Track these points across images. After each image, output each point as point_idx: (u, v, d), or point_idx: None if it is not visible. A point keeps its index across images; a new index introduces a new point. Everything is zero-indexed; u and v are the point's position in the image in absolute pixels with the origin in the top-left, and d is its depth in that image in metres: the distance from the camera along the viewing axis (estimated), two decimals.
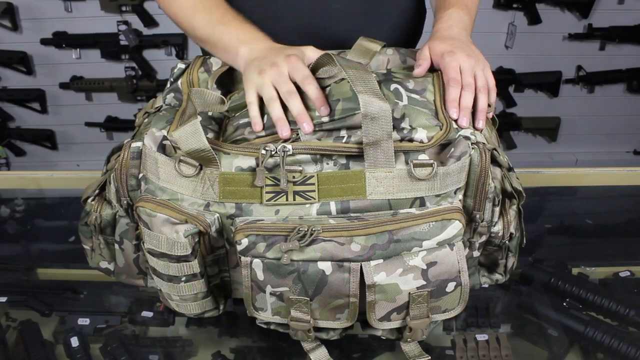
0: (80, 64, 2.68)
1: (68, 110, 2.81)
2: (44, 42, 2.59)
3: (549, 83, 2.80)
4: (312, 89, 0.73)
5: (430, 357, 0.78)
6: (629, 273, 0.98)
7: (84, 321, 0.89)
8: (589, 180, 1.24)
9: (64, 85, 2.70)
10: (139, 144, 0.77)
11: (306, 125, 0.72)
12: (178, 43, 2.59)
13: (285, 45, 0.81)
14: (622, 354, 0.80)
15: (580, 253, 1.08)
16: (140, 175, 0.77)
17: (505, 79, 2.74)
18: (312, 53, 0.79)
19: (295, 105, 0.73)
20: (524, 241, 0.84)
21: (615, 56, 2.76)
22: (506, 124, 2.83)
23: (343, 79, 0.75)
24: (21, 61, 2.63)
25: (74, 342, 0.83)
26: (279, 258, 0.68)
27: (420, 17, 1.04)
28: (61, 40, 2.59)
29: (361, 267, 0.69)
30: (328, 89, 0.76)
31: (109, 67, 2.68)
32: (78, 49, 2.63)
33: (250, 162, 0.72)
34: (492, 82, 0.81)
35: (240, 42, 0.81)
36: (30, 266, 1.02)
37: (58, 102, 2.79)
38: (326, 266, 0.69)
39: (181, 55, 2.64)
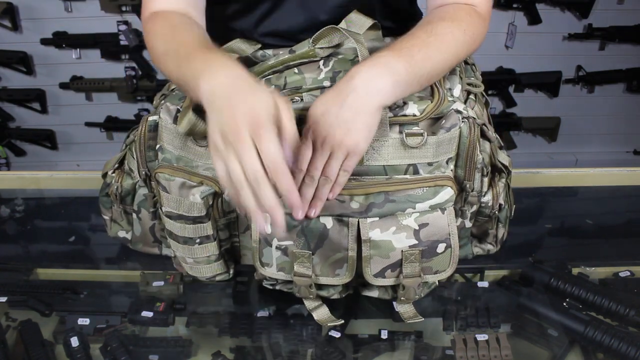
0: (80, 64, 2.68)
1: (68, 110, 2.81)
2: (44, 42, 2.59)
3: (549, 83, 2.80)
4: (284, 182, 0.62)
5: (423, 319, 0.83)
6: (629, 273, 0.98)
7: (84, 321, 0.89)
8: (588, 180, 1.24)
9: (64, 85, 2.70)
10: (155, 117, 0.84)
11: (279, 218, 0.63)
12: None
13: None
14: (622, 354, 0.80)
15: (580, 253, 1.08)
16: (158, 146, 0.84)
17: (505, 79, 2.74)
18: (286, 118, 0.65)
19: (267, 196, 0.62)
20: (512, 213, 0.92)
21: (615, 56, 2.76)
22: (506, 124, 2.83)
23: (342, 56, 0.82)
24: (21, 61, 2.63)
25: (74, 342, 0.83)
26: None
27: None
28: (61, 40, 2.59)
29: (358, 222, 0.76)
30: (331, 62, 0.82)
31: (109, 67, 2.68)
32: (78, 49, 2.64)
33: None
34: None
35: (199, 75, 0.68)
36: (30, 266, 1.02)
37: (58, 102, 2.79)
38: (327, 221, 0.77)
39: None
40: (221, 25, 0.93)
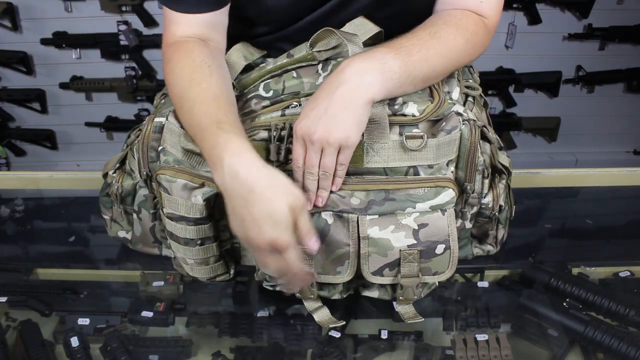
0: (80, 64, 2.68)
1: (68, 110, 2.80)
2: (44, 42, 2.59)
3: (549, 83, 2.79)
4: (301, 276, 0.72)
5: (423, 319, 0.83)
6: (629, 273, 0.98)
7: (84, 321, 0.89)
8: (588, 180, 1.24)
9: (64, 85, 2.69)
10: (161, 119, 0.84)
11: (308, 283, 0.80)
12: None
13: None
14: (622, 354, 0.80)
15: (580, 253, 1.08)
16: (160, 147, 0.83)
17: (505, 79, 2.74)
18: (305, 222, 0.69)
19: (296, 281, 0.75)
20: (513, 214, 0.92)
21: (615, 56, 2.76)
22: (506, 124, 2.83)
23: (341, 59, 0.79)
24: (21, 61, 2.63)
25: (74, 342, 0.83)
26: None
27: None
28: (61, 40, 2.59)
29: (358, 219, 0.77)
30: (330, 67, 0.81)
31: (109, 67, 2.68)
32: (78, 49, 2.63)
33: (262, 134, 0.78)
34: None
35: (213, 161, 0.70)
36: (30, 266, 1.02)
37: (58, 102, 2.79)
38: (328, 217, 0.77)
39: None
40: (240, 34, 0.90)
